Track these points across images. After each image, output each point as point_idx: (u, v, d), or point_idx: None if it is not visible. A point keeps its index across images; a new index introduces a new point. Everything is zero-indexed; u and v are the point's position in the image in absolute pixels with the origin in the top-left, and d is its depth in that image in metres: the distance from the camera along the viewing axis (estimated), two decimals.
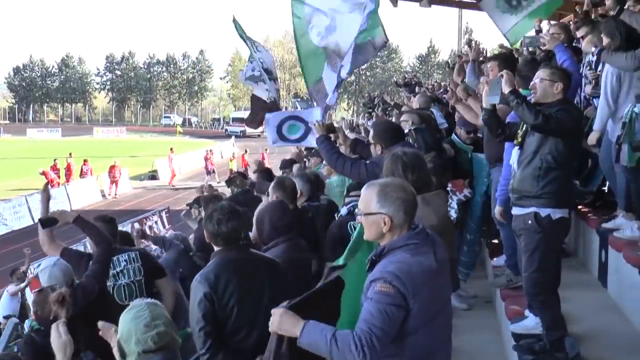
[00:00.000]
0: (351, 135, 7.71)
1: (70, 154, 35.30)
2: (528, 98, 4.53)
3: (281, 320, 2.78)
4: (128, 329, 2.88)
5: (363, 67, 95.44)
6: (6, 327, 9.95)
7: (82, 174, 32.92)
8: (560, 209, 4.33)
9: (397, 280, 2.75)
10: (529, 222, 4.35)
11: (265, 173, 8.62)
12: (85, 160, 34.26)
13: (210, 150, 36.38)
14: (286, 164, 9.12)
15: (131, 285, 5.33)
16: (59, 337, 3.21)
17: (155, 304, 3.05)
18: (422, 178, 3.92)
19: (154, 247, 6.72)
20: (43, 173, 30.03)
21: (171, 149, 36.49)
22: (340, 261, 3.18)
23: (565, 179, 4.33)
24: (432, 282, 2.84)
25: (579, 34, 6.71)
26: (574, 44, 6.96)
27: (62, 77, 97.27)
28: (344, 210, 5.80)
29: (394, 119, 10.32)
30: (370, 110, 17.91)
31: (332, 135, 5.75)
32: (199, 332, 3.69)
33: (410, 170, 3.88)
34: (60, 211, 5.03)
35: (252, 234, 5.05)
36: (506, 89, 4.41)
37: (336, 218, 5.43)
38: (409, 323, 2.80)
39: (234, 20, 8.99)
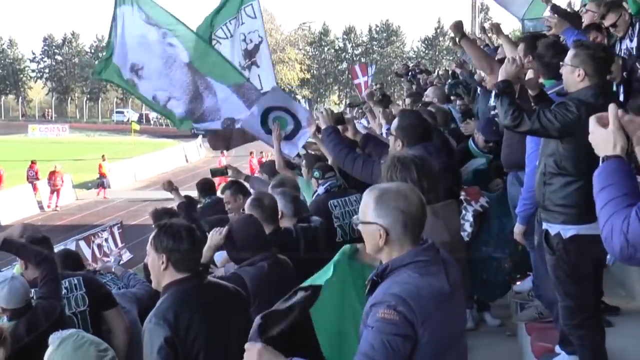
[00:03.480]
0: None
1: None
2: (551, 91, 4.56)
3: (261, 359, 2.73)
4: None
5: (357, 52, 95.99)
6: None
7: (29, 179, 32.26)
8: (571, 225, 4.34)
9: (403, 304, 2.74)
10: (542, 241, 4.41)
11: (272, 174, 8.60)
12: (32, 163, 33.36)
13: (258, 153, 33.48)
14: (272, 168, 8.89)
15: (73, 318, 5.24)
16: None
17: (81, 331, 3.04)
18: (434, 186, 3.95)
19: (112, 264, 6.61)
20: None
21: (103, 156, 36.07)
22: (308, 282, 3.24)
23: (574, 188, 4.33)
24: (444, 307, 2.84)
25: (607, 22, 6.68)
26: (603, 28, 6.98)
27: None
28: (320, 190, 6.67)
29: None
30: (412, 82, 17.56)
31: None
32: None
33: (425, 177, 3.91)
34: (7, 230, 5.06)
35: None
36: (500, 77, 4.46)
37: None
38: (417, 357, 2.79)
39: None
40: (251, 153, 32.98)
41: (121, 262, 13.01)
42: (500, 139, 6.89)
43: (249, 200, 5.61)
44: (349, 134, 6.19)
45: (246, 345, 2.80)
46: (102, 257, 20.19)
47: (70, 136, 66.88)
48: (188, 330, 3.67)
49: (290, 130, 7.56)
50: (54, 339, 2.85)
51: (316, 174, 6.79)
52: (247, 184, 7.98)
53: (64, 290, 5.27)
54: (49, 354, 2.79)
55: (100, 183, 33.51)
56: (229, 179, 7.87)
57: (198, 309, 3.74)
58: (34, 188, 31.34)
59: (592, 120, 2.58)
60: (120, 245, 22.09)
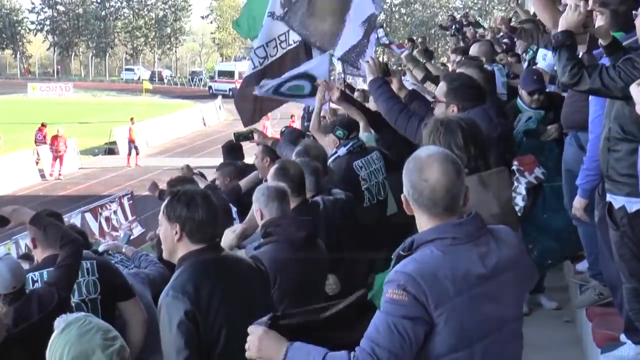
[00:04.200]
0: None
1: None
2: (625, 42, 4.48)
3: (261, 344, 2.86)
4: (82, 349, 2.83)
5: (396, 2, 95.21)
6: None
7: (37, 144, 32.32)
8: (636, 198, 4.31)
9: (413, 284, 2.77)
10: (604, 215, 4.38)
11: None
12: (42, 125, 33.52)
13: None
14: (295, 135, 9.06)
15: (81, 305, 5.22)
16: None
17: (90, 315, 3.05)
18: (483, 153, 3.93)
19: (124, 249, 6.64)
20: None
21: (132, 119, 36.25)
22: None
23: None
24: (471, 292, 2.85)
25: None
26: None
27: None
28: (342, 150, 6.80)
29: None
30: (458, 35, 17.35)
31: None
32: None
33: (472, 142, 3.90)
34: (12, 208, 5.03)
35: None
36: (560, 27, 4.38)
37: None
38: (434, 345, 2.82)
39: None
40: (292, 116, 32.45)
41: (132, 237, 13.17)
42: (542, 88, 6.85)
43: (272, 169, 5.62)
44: (394, 88, 6.17)
45: (249, 328, 2.91)
46: (110, 231, 20.30)
47: (74, 96, 67.26)
48: (209, 305, 3.73)
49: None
50: (59, 322, 2.88)
51: (339, 133, 6.81)
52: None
53: None
54: (52, 338, 2.83)
55: (130, 149, 33.29)
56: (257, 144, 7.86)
57: (219, 282, 3.79)
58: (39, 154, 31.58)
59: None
60: (130, 218, 22.17)
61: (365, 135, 7.47)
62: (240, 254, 5.21)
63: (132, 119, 35.85)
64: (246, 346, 2.91)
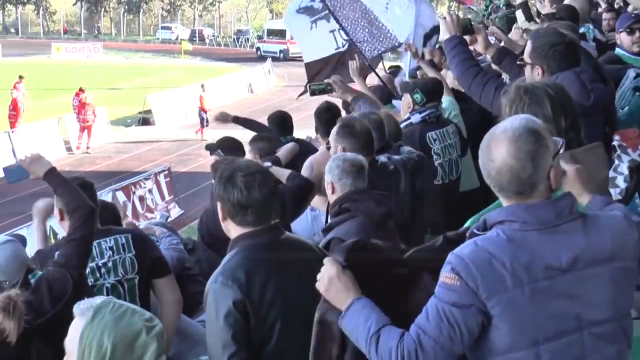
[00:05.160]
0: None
1: (20, 78, 35.67)
2: None
3: (331, 285, 3.05)
4: (124, 334, 2.86)
5: None
6: None
7: (81, 110, 32.00)
8: None
9: (464, 269, 2.84)
10: None
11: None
12: (79, 90, 33.16)
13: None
14: (385, 96, 9.28)
15: (118, 286, 5.35)
16: None
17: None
18: (575, 125, 3.89)
19: (156, 227, 6.71)
20: None
21: (202, 86, 36.16)
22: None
23: None
24: (538, 285, 2.87)
25: None
26: None
27: None
28: (415, 117, 6.97)
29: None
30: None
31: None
32: None
33: (562, 113, 3.88)
34: (31, 158, 5.11)
35: None
36: None
37: None
38: (492, 339, 2.87)
39: None
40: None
41: (169, 220, 13.28)
42: None
43: (335, 128, 5.64)
44: (479, 47, 6.13)
45: (326, 259, 3.11)
46: (145, 212, 20.33)
47: (103, 58, 67.89)
48: (262, 294, 3.79)
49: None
50: (82, 310, 2.90)
51: (417, 96, 6.82)
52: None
53: (108, 252, 5.36)
54: (82, 328, 2.85)
55: (202, 120, 32.86)
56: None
57: (274, 269, 3.84)
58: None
59: None
60: (167, 197, 22.11)
61: (448, 99, 7.52)
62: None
63: (202, 85, 35.78)
64: (318, 276, 3.10)
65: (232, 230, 3.95)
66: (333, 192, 5.12)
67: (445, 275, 2.86)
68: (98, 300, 2.95)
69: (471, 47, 5.91)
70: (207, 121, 32.35)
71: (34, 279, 4.71)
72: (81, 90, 33.03)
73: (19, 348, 4.21)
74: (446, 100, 7.39)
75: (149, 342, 2.85)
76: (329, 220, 5.27)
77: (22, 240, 5.79)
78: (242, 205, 3.86)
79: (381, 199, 5.12)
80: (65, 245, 4.93)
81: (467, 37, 5.80)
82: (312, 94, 7.59)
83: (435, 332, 2.84)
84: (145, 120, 37.14)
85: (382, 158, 5.88)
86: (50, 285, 4.65)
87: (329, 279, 3.09)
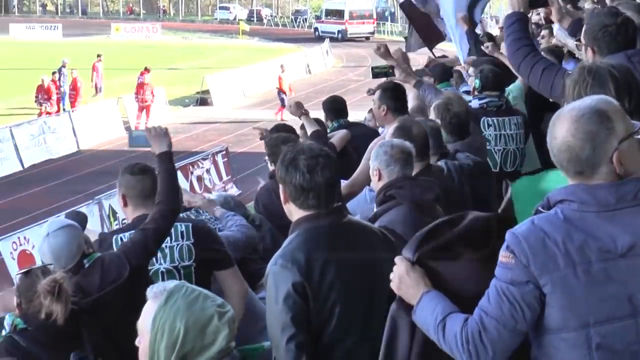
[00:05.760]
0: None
1: (98, 57, 35.89)
2: None
3: (402, 281, 3.14)
4: (196, 319, 2.87)
5: None
6: None
7: (139, 90, 32.23)
8: None
9: (518, 246, 2.87)
10: None
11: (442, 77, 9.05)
12: (144, 70, 33.39)
13: None
14: (446, 75, 9.33)
15: (173, 272, 5.34)
16: None
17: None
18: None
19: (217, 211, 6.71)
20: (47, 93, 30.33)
21: (282, 66, 36.01)
22: None
23: None
24: (592, 267, 2.84)
25: None
26: None
27: None
28: (474, 103, 7.03)
29: None
30: None
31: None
32: (286, 345, 3.74)
33: (627, 94, 3.79)
34: (158, 131, 5.19)
35: None
36: None
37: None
38: (546, 317, 2.88)
39: None
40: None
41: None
42: None
43: (392, 129, 5.61)
44: (553, 17, 6.07)
45: (396, 258, 3.19)
46: (202, 192, 20.47)
47: (162, 39, 68.44)
48: (322, 277, 3.78)
49: None
50: (156, 293, 2.93)
51: (476, 82, 6.80)
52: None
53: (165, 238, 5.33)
54: (155, 311, 2.87)
55: (281, 101, 32.70)
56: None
57: (335, 251, 3.82)
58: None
59: None
60: (225, 178, 22.27)
61: (517, 86, 7.54)
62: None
63: (282, 65, 35.77)
64: (390, 276, 3.18)
65: (294, 212, 3.94)
66: (380, 179, 5.08)
67: (502, 255, 2.89)
68: (171, 284, 2.98)
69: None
70: (285, 102, 32.04)
71: (89, 262, 4.74)
72: (146, 70, 33.40)
73: (68, 328, 4.25)
74: (515, 87, 7.37)
75: (221, 327, 2.87)
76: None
77: (84, 219, 5.85)
78: (304, 189, 3.85)
79: (428, 184, 5.09)
80: (135, 233, 4.98)
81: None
82: (375, 76, 7.53)
83: (496, 312, 2.87)
84: (203, 100, 37.37)
85: (439, 162, 5.87)
86: (104, 269, 4.70)
87: (399, 277, 3.16)
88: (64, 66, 34.74)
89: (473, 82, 7.32)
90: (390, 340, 3.25)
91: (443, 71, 8.94)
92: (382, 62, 7.50)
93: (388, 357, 3.28)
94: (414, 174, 5.26)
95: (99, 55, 36.47)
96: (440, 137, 6.09)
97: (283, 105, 31.82)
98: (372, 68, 7.40)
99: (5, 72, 43.37)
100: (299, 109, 7.70)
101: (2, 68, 44.92)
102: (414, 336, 3.18)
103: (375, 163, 5.08)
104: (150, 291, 2.95)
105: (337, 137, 7.53)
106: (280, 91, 33.36)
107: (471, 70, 8.32)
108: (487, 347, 2.86)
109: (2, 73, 43.23)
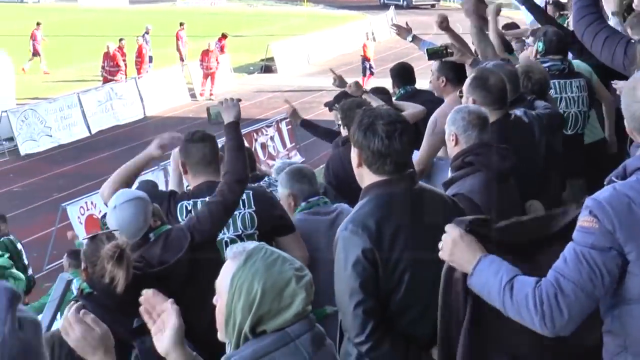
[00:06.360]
0: None
1: (180, 25, 36.01)
2: None
3: (455, 248, 3.09)
4: (274, 282, 2.88)
5: None
6: (56, 285, 10.63)
7: (204, 57, 32.16)
8: None
9: (601, 211, 2.84)
10: None
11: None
12: (222, 36, 34.04)
13: None
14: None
15: (237, 241, 5.29)
16: (86, 332, 2.94)
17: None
18: None
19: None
20: (114, 59, 30.59)
21: (366, 34, 35.59)
22: None
23: None
24: None
25: None
26: None
27: None
28: None
29: None
30: None
31: None
32: (354, 310, 3.77)
33: None
34: (229, 103, 5.22)
35: None
36: None
37: None
38: (626, 285, 2.86)
39: None
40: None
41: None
42: None
43: (469, 80, 5.58)
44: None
45: (447, 226, 3.15)
46: (266, 159, 20.60)
47: (226, 5, 68.43)
48: (392, 244, 3.78)
49: None
50: (235, 254, 2.94)
51: (539, 45, 6.79)
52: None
53: None
54: (234, 272, 2.89)
55: (365, 69, 32.37)
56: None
57: (406, 218, 3.82)
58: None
59: None
60: (289, 145, 22.32)
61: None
62: None
63: (367, 33, 35.59)
64: (439, 245, 3.14)
65: (366, 177, 3.93)
66: (456, 144, 5.05)
67: (584, 219, 2.87)
68: (251, 245, 2.99)
69: None
70: (372, 69, 32.31)
71: (155, 236, 4.81)
72: (224, 36, 33.89)
73: (128, 297, 4.22)
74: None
75: (298, 291, 2.87)
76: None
77: (154, 186, 5.90)
78: (382, 154, 3.83)
79: (506, 153, 5.04)
80: (204, 205, 5.02)
81: None
82: (430, 58, 7.47)
83: (574, 275, 2.84)
84: (267, 67, 37.37)
85: (517, 112, 5.79)
86: (167, 243, 4.76)
87: (453, 241, 3.12)
88: (147, 32, 35.05)
89: (535, 45, 7.27)
90: (446, 302, 3.26)
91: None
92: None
93: (444, 324, 3.30)
94: (492, 121, 5.23)
95: (181, 24, 36.53)
96: (518, 82, 6.07)
97: (371, 73, 31.72)
98: (427, 49, 7.29)
99: (73, 39, 43.88)
100: (359, 89, 7.70)
101: (70, 35, 45.46)
102: (467, 302, 3.18)
103: (452, 128, 5.05)
104: (230, 251, 2.97)
105: (411, 111, 7.49)
106: (365, 59, 32.93)
107: (530, 39, 8.26)
108: (563, 310, 2.84)
109: (70, 40, 43.76)
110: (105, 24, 49.43)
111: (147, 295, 2.98)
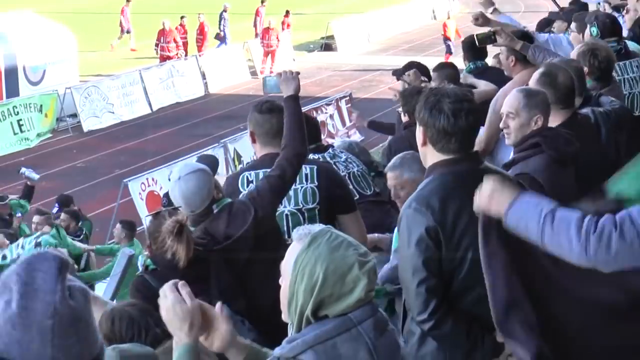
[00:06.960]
0: None
1: (262, 2, 36.06)
2: None
3: (493, 193, 3.10)
4: (337, 266, 2.87)
5: None
6: (118, 258, 10.76)
7: (265, 34, 32.30)
8: None
9: None
10: None
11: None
12: (286, 14, 34.23)
13: None
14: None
15: (297, 215, 5.33)
16: (177, 303, 2.90)
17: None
18: None
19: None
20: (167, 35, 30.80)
21: (448, 12, 35.39)
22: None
23: None
24: None
25: None
26: None
27: None
28: None
29: None
30: None
31: None
32: (416, 288, 3.77)
33: None
34: (287, 75, 5.19)
35: None
36: None
37: None
38: None
39: None
40: None
41: None
42: None
43: (536, 74, 5.52)
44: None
45: (485, 177, 3.19)
46: (326, 137, 20.62)
47: None
48: (456, 223, 3.77)
49: None
50: (300, 236, 2.94)
51: (593, 30, 6.78)
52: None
53: None
54: (298, 254, 2.89)
55: (447, 47, 32.03)
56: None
57: (470, 198, 3.68)
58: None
59: None
60: (348, 124, 22.28)
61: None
62: None
63: (448, 12, 35.43)
64: (475, 197, 3.15)
65: (430, 156, 3.93)
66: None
67: None
68: (316, 227, 2.98)
69: None
70: (450, 49, 31.61)
71: (217, 208, 4.79)
72: (287, 14, 34.35)
73: (193, 271, 4.30)
74: None
75: (360, 277, 2.86)
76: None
77: (214, 162, 5.94)
78: (448, 133, 3.83)
79: (570, 138, 5.00)
80: (262, 179, 4.99)
81: None
82: (480, 43, 7.41)
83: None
84: (327, 45, 37.33)
85: (584, 110, 5.75)
86: (232, 216, 4.74)
87: (491, 188, 3.12)
88: (225, 11, 35.08)
89: (588, 31, 7.18)
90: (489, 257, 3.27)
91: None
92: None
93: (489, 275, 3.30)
94: (560, 122, 5.22)
95: (262, 1, 36.67)
96: (584, 79, 6.00)
97: (449, 53, 31.09)
98: (476, 35, 7.27)
99: (134, 18, 44.15)
100: (418, 78, 7.69)
101: (152, 12, 45.68)
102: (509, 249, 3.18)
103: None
104: (296, 233, 2.97)
105: (483, 88, 7.41)
106: (446, 38, 32.53)
107: (573, 25, 8.09)
108: (612, 247, 2.81)
109: (152, 17, 44.07)
110: (165, 2, 49.49)
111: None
